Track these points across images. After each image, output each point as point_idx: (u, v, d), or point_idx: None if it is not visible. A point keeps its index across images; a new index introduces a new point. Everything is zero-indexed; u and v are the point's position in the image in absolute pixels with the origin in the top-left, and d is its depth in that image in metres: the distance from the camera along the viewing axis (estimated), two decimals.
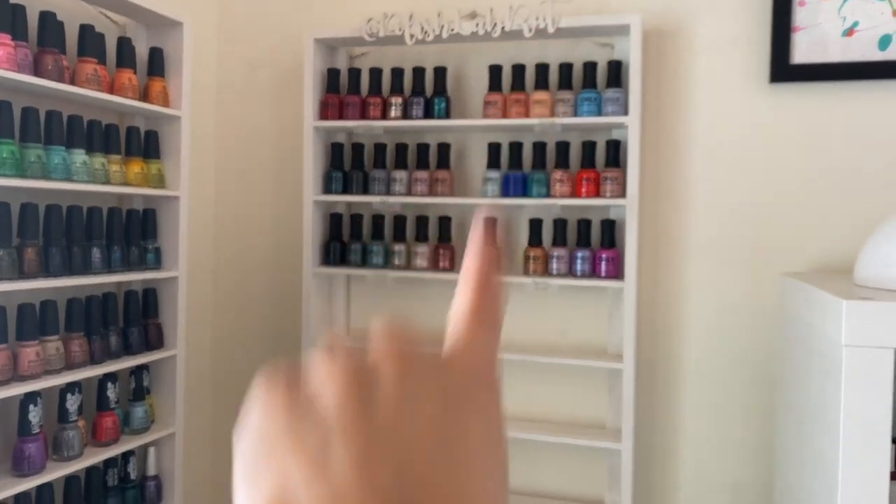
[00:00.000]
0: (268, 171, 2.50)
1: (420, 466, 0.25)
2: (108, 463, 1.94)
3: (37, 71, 1.67)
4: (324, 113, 2.25)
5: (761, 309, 2.04)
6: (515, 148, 2.14)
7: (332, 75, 2.27)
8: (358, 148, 2.28)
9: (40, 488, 1.71)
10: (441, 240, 2.20)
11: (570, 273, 2.08)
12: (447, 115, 2.16)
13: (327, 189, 2.28)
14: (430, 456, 0.25)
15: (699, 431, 2.11)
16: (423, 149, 2.22)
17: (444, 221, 2.20)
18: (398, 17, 2.12)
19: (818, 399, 1.46)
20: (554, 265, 2.08)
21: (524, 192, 2.11)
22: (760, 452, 2.05)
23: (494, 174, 2.13)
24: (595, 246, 2.10)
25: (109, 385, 1.90)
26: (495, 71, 2.13)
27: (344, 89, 2.28)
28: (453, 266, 2.19)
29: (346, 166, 2.31)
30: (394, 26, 2.13)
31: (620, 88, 2.03)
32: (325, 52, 2.29)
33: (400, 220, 2.24)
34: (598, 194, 2.04)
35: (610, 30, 2.04)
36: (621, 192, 2.02)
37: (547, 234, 2.15)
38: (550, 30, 2.02)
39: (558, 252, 2.08)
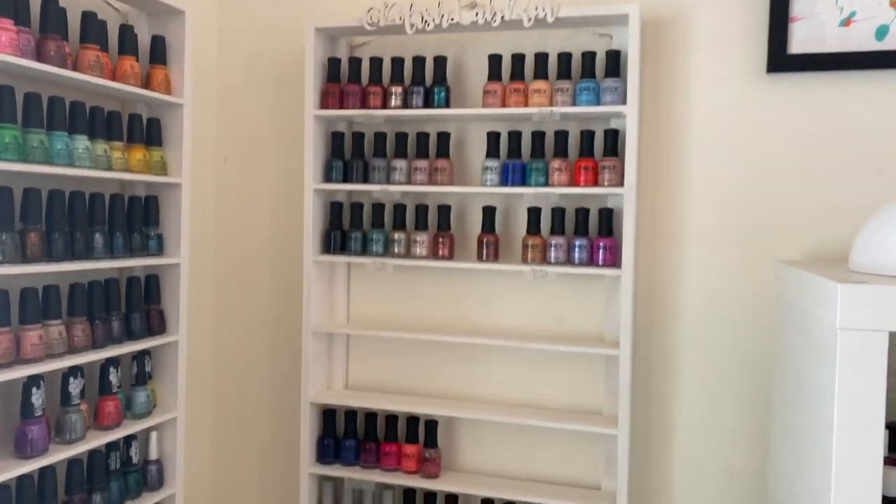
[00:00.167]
0: (269, 160, 2.51)
1: None
2: (111, 446, 1.95)
3: (39, 57, 1.68)
4: (324, 102, 2.26)
5: (757, 297, 2.06)
6: (514, 137, 2.15)
7: (332, 64, 2.28)
8: (358, 137, 2.30)
9: (43, 470, 1.73)
10: (440, 228, 2.22)
11: (568, 261, 2.10)
12: (447, 105, 2.17)
13: (328, 177, 2.29)
14: None
15: (695, 417, 2.14)
16: (422, 138, 2.23)
17: (444, 210, 2.22)
18: (398, 7, 2.13)
19: (813, 384, 1.48)
20: (552, 253, 2.10)
21: (523, 180, 2.12)
22: (755, 438, 2.08)
23: (493, 163, 2.14)
24: (593, 234, 2.12)
25: (111, 370, 1.92)
26: (495, 60, 2.15)
27: (344, 78, 2.30)
28: (452, 254, 2.21)
29: (346, 155, 2.32)
30: (394, 16, 2.14)
31: (619, 78, 2.04)
32: (326, 42, 2.30)
33: (400, 209, 2.26)
34: (596, 183, 2.06)
35: (608, 20, 2.06)
36: (619, 181, 2.03)
37: (545, 222, 2.16)
38: (549, 19, 2.03)
39: (556, 240, 2.10)
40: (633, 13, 1.96)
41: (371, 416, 2.30)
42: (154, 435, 2.10)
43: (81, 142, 1.79)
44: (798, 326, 1.64)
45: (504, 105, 2.11)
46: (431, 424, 2.24)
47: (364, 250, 2.28)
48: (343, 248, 2.30)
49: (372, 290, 2.41)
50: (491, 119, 2.23)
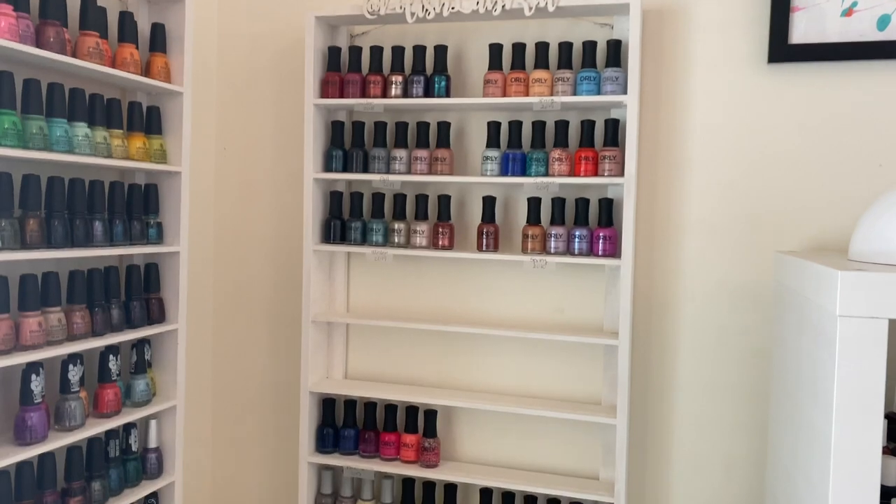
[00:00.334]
0: (268, 149, 2.51)
1: None
2: (110, 434, 1.95)
3: (38, 43, 1.67)
4: (324, 91, 2.26)
5: (756, 287, 2.07)
6: (515, 127, 2.15)
7: (332, 53, 2.28)
8: (358, 126, 2.29)
9: (42, 457, 1.73)
10: (441, 218, 2.22)
11: (568, 251, 2.10)
12: (447, 94, 2.17)
13: (328, 167, 2.29)
14: None
15: (693, 407, 2.14)
16: (423, 127, 2.23)
17: (444, 200, 2.22)
18: None
19: (812, 371, 1.48)
20: (552, 243, 2.10)
21: (523, 170, 2.12)
22: (754, 427, 2.08)
23: (494, 153, 2.14)
24: (593, 224, 2.12)
25: (111, 357, 1.92)
26: (495, 50, 2.14)
27: (345, 67, 2.29)
28: (452, 244, 2.20)
29: (346, 144, 2.32)
30: (395, 4, 2.14)
31: (619, 68, 2.04)
32: (326, 30, 2.30)
33: (400, 199, 2.25)
34: (596, 173, 2.06)
35: (609, 9, 2.05)
36: (619, 171, 2.03)
37: (545, 212, 2.16)
38: (550, 9, 2.03)
39: (556, 230, 2.10)
40: (634, 3, 1.96)
41: (370, 405, 2.31)
42: (153, 423, 2.10)
43: (81, 129, 1.78)
44: (798, 315, 1.64)
45: (504, 94, 2.11)
46: (430, 414, 2.24)
47: (364, 240, 2.27)
48: (343, 238, 2.30)
49: (371, 280, 2.41)
50: (491, 108, 2.22)
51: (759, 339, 2.07)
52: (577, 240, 2.08)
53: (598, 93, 2.04)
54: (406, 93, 2.19)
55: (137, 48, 1.97)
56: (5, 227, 1.60)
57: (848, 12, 1.96)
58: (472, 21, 2.21)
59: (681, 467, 2.16)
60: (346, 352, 2.45)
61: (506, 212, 2.26)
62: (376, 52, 2.23)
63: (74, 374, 1.79)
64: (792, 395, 1.68)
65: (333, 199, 2.33)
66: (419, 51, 2.20)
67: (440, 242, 2.20)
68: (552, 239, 2.10)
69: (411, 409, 2.27)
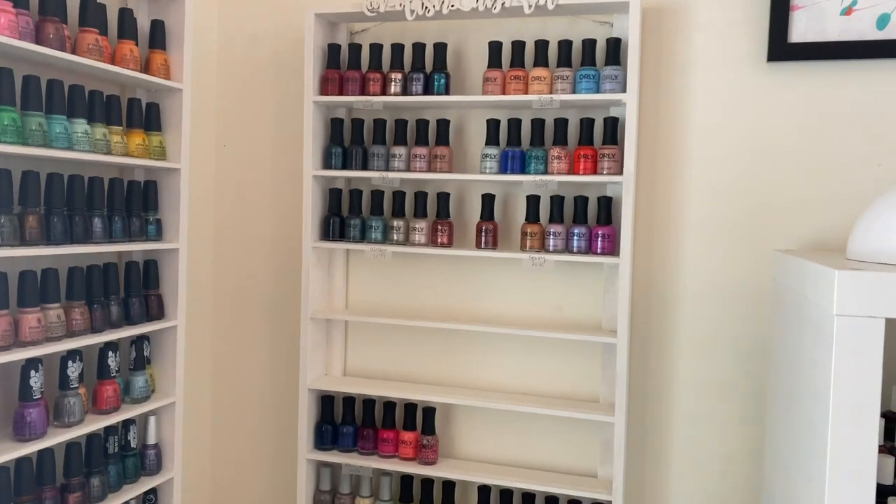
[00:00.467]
0: (268, 146, 2.51)
1: None
2: (109, 430, 1.96)
3: (38, 39, 1.67)
4: (324, 88, 2.26)
5: (755, 285, 2.07)
6: (514, 124, 2.15)
7: (332, 50, 2.28)
8: (358, 123, 2.29)
9: (41, 453, 1.73)
10: (440, 215, 2.22)
11: (567, 249, 2.10)
12: (447, 92, 2.17)
13: (327, 164, 2.29)
14: None
15: (691, 405, 2.14)
16: (422, 125, 2.23)
17: (443, 197, 2.22)
18: None
19: (809, 370, 1.48)
20: (551, 241, 2.10)
21: (522, 168, 2.12)
22: (752, 425, 2.09)
23: (493, 150, 2.14)
24: (592, 222, 2.12)
25: (110, 354, 1.92)
26: (495, 47, 2.14)
27: (344, 65, 2.29)
28: (451, 242, 2.21)
29: (345, 142, 2.32)
30: (394, 2, 2.14)
31: (619, 66, 2.04)
32: (326, 28, 2.30)
33: (399, 196, 2.26)
34: (595, 171, 2.06)
35: (609, 7, 2.05)
36: (618, 170, 2.03)
37: (544, 210, 2.17)
38: (550, 6, 2.03)
39: (555, 228, 2.10)
40: (633, 1, 1.96)
41: (369, 402, 2.31)
42: (152, 419, 2.10)
43: (80, 125, 1.78)
44: (795, 314, 1.64)
45: (504, 92, 2.11)
46: (429, 411, 2.25)
47: (363, 237, 2.28)
48: (342, 235, 2.30)
49: (370, 277, 2.42)
50: (490, 106, 2.22)
51: (757, 337, 2.07)
52: (575, 238, 2.08)
53: (598, 91, 2.04)
54: (405, 90, 2.19)
55: (137, 45, 1.97)
56: (5, 223, 1.61)
57: (847, 11, 1.96)
58: (471, 19, 2.21)
59: (679, 465, 2.17)
60: (345, 349, 2.45)
61: (505, 209, 2.27)
62: (376, 49, 2.24)
63: (73, 370, 1.80)
64: (789, 393, 1.68)
65: (333, 197, 2.33)
66: (419, 48, 2.20)
67: (439, 240, 2.20)
68: (551, 237, 2.10)
69: (410, 407, 2.27)
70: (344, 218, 2.30)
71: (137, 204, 2.02)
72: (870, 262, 1.48)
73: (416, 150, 2.20)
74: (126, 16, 1.95)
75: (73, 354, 1.80)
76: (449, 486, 2.26)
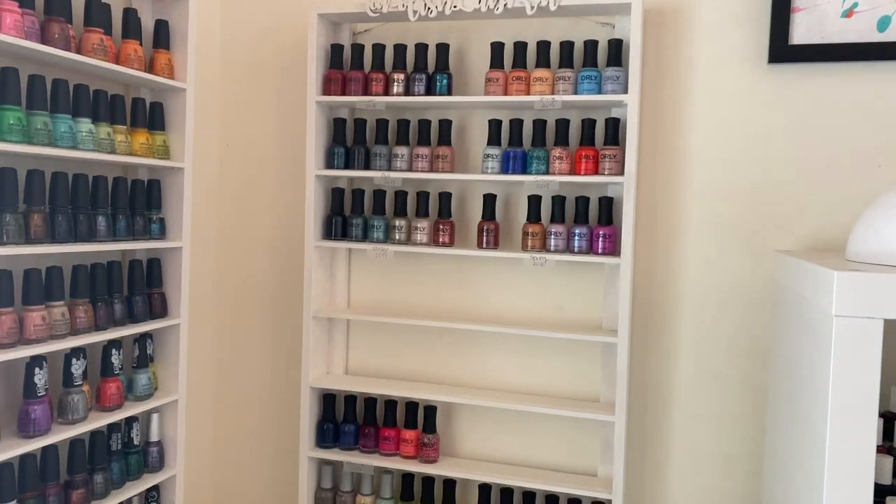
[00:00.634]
0: (271, 145, 2.52)
1: None
2: (112, 427, 1.97)
3: (43, 39, 1.69)
4: (327, 88, 2.27)
5: (755, 285, 2.08)
6: (516, 125, 2.16)
7: (335, 51, 2.29)
8: (360, 123, 2.30)
9: (45, 450, 1.75)
10: (441, 215, 2.23)
11: (568, 249, 2.11)
12: (449, 92, 2.18)
13: (329, 164, 2.30)
14: None
15: (691, 404, 2.15)
16: (424, 125, 2.24)
17: (445, 197, 2.23)
18: None
19: (808, 371, 1.49)
20: (552, 241, 2.11)
21: (524, 168, 2.13)
22: (751, 425, 2.09)
23: (495, 151, 2.15)
24: (593, 223, 2.13)
25: (114, 352, 1.93)
26: (497, 48, 2.15)
27: (347, 65, 2.30)
28: (453, 241, 2.22)
29: (348, 141, 2.33)
30: (397, 2, 2.15)
31: (620, 67, 2.04)
32: (329, 28, 2.31)
33: (401, 196, 2.27)
34: (596, 172, 2.07)
35: (611, 8, 2.06)
36: (619, 170, 2.04)
37: (545, 210, 2.18)
38: (552, 8, 2.04)
39: (556, 228, 2.11)
40: (635, 2, 1.97)
41: (370, 401, 2.32)
42: (155, 417, 2.12)
43: (85, 125, 1.80)
44: (794, 314, 1.65)
45: (506, 93, 2.12)
46: (430, 410, 2.26)
47: (365, 236, 2.29)
48: (344, 234, 2.31)
49: (372, 276, 2.43)
50: (492, 107, 2.23)
51: (757, 337, 2.08)
52: (576, 238, 2.09)
53: (599, 92, 2.05)
54: (408, 91, 2.20)
55: (141, 45, 1.98)
56: (10, 221, 1.62)
57: (848, 13, 1.97)
58: (474, 19, 2.22)
59: (678, 464, 2.18)
60: (347, 348, 2.47)
61: (506, 209, 2.28)
62: (378, 49, 2.25)
63: (77, 367, 1.81)
64: (789, 393, 1.69)
65: (335, 196, 2.34)
66: (421, 49, 2.21)
67: (441, 239, 2.21)
68: (552, 237, 2.11)
69: (411, 405, 2.28)
70: (346, 217, 2.32)
71: (141, 203, 2.04)
72: (869, 263, 1.48)
73: (418, 150, 2.21)
74: (130, 16, 1.96)
75: (77, 352, 1.81)
76: (450, 484, 2.27)
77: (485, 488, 2.24)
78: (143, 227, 2.02)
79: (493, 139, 2.17)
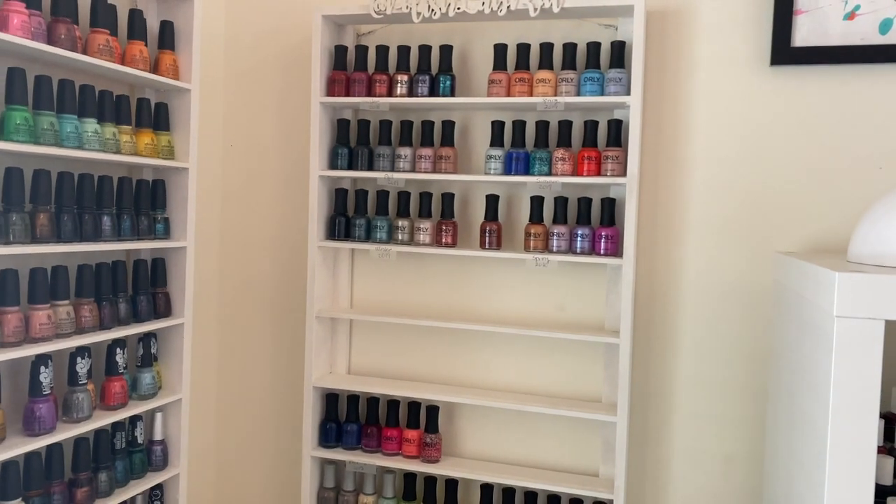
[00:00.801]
0: (274, 146, 2.53)
1: None
2: (116, 426, 1.98)
3: (50, 40, 1.70)
4: (330, 89, 2.28)
5: (756, 287, 2.08)
6: (518, 126, 2.17)
7: (339, 52, 2.30)
8: (364, 124, 2.31)
9: (50, 448, 1.76)
10: (444, 216, 2.24)
11: (570, 250, 2.12)
12: (452, 93, 2.19)
13: (333, 164, 2.31)
14: None
15: (692, 405, 2.16)
16: (427, 126, 2.25)
17: (448, 198, 2.24)
18: None
19: (809, 371, 1.50)
20: (554, 242, 2.12)
21: (526, 169, 2.14)
22: (752, 426, 2.10)
23: (497, 152, 2.16)
24: (595, 224, 2.14)
25: (118, 351, 1.94)
26: (500, 50, 2.16)
27: (351, 66, 2.31)
28: (455, 242, 2.23)
29: (351, 142, 2.34)
30: (401, 4, 2.16)
31: (623, 69, 2.05)
32: (333, 29, 2.32)
33: (404, 196, 2.28)
34: (598, 173, 2.08)
35: (614, 10, 2.07)
36: (622, 172, 2.05)
37: (548, 211, 2.18)
38: (555, 10, 2.04)
39: (559, 229, 2.12)
40: (638, 4, 1.98)
41: (373, 400, 2.33)
42: (159, 416, 2.13)
43: (91, 125, 1.81)
44: (796, 315, 1.66)
45: (509, 94, 2.13)
46: (432, 410, 2.27)
47: (368, 237, 2.30)
48: (347, 235, 2.32)
49: (375, 277, 2.43)
50: (495, 108, 2.24)
51: (759, 338, 2.09)
52: (579, 239, 2.10)
53: (602, 93, 2.06)
54: (411, 92, 2.21)
55: (146, 45, 1.99)
56: (16, 221, 1.63)
57: (850, 16, 1.97)
58: (477, 21, 2.23)
59: (680, 464, 2.18)
60: (350, 347, 2.47)
61: (509, 210, 2.28)
62: (382, 51, 2.26)
63: (82, 366, 1.82)
64: (790, 393, 1.70)
65: (338, 197, 2.35)
66: (424, 50, 2.22)
67: (443, 240, 2.22)
68: (554, 238, 2.12)
69: (413, 405, 2.29)
70: (349, 218, 2.32)
71: (146, 203, 2.05)
72: (870, 264, 1.49)
73: (421, 151, 2.22)
74: (136, 17, 1.98)
75: (81, 351, 1.82)
76: (452, 484, 2.27)
77: (487, 488, 2.25)
78: (148, 227, 2.03)
79: (496, 140, 2.18)
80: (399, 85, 2.21)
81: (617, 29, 2.15)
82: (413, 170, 2.24)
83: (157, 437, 2.13)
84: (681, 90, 2.14)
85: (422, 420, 2.29)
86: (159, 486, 2.15)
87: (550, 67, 2.12)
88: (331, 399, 2.37)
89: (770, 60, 2.04)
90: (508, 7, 2.07)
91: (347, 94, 2.26)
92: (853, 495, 1.31)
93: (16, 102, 1.62)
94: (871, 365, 1.29)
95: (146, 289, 2.07)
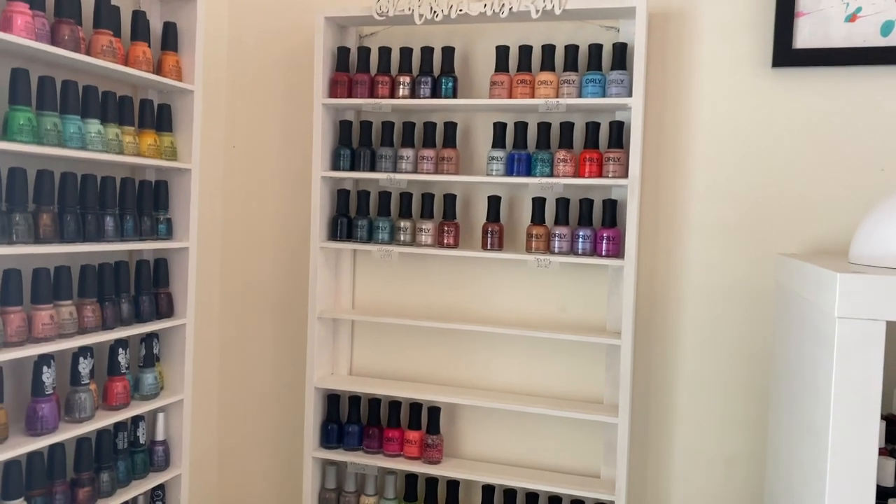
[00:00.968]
0: (277, 147, 2.54)
1: None
2: (119, 426, 1.99)
3: (53, 41, 1.70)
4: (333, 90, 2.28)
5: (758, 288, 2.09)
6: (520, 128, 2.17)
7: (341, 53, 2.30)
8: (366, 125, 2.32)
9: (52, 448, 1.76)
10: (446, 217, 2.24)
11: (572, 251, 2.12)
12: (454, 95, 2.20)
13: (335, 165, 2.32)
14: None
15: (694, 406, 2.16)
16: (429, 127, 2.25)
17: (450, 199, 2.24)
18: None
19: (811, 372, 1.50)
20: (556, 243, 2.12)
21: (528, 171, 2.14)
22: (754, 426, 2.10)
23: (499, 153, 2.17)
24: (596, 225, 2.14)
25: (120, 351, 1.95)
26: (502, 51, 2.16)
27: (353, 67, 2.32)
28: (457, 243, 2.23)
29: (354, 143, 2.34)
30: (403, 6, 2.16)
31: (624, 71, 2.06)
32: (336, 31, 2.32)
33: (406, 197, 2.28)
34: (600, 174, 2.08)
35: (615, 12, 2.07)
36: (623, 173, 2.05)
37: (550, 212, 2.19)
38: (557, 11, 2.05)
39: (560, 230, 2.12)
40: (640, 6, 1.98)
41: (374, 401, 2.33)
42: (161, 416, 2.13)
43: (94, 126, 1.81)
44: (797, 316, 1.66)
45: (511, 96, 2.13)
46: (434, 411, 2.27)
47: (370, 238, 2.30)
48: (349, 236, 2.32)
49: (377, 278, 2.44)
50: (497, 110, 2.25)
51: (760, 339, 2.09)
52: (580, 240, 2.10)
53: (604, 95, 2.06)
54: (413, 93, 2.22)
55: (150, 47, 2.00)
56: (19, 221, 1.64)
57: (852, 18, 1.98)
58: (479, 23, 2.23)
59: (681, 466, 2.18)
60: (351, 348, 2.48)
61: (510, 211, 2.29)
62: (385, 52, 2.26)
63: (85, 366, 1.82)
64: (791, 395, 1.70)
65: (340, 197, 2.35)
66: (427, 52, 2.22)
67: (445, 241, 2.22)
68: (556, 239, 2.12)
69: (415, 406, 2.29)
70: (351, 218, 2.33)
71: (148, 203, 2.05)
72: (872, 265, 1.49)
73: (423, 153, 2.23)
74: (139, 18, 1.98)
75: (84, 351, 1.82)
76: (453, 485, 2.28)
77: (488, 489, 2.25)
78: (151, 228, 2.04)
79: (498, 141, 2.18)
80: (401, 86, 2.22)
81: (619, 31, 2.16)
82: (415, 171, 2.24)
83: (159, 437, 2.13)
84: (682, 92, 2.14)
85: (423, 421, 2.29)
86: (161, 487, 2.15)
87: (552, 69, 2.12)
88: (332, 400, 2.37)
89: (772, 62, 2.05)
90: (510, 9, 2.08)
91: (350, 96, 2.27)
92: (854, 497, 1.31)
93: (19, 103, 1.62)
94: (873, 366, 1.29)
95: (148, 289, 2.07)
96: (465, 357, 2.36)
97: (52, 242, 1.72)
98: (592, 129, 2.11)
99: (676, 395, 2.18)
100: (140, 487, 2.03)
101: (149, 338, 2.07)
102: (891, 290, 1.27)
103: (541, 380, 2.28)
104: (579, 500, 2.17)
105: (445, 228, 2.22)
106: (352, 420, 2.34)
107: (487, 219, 2.21)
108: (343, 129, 2.33)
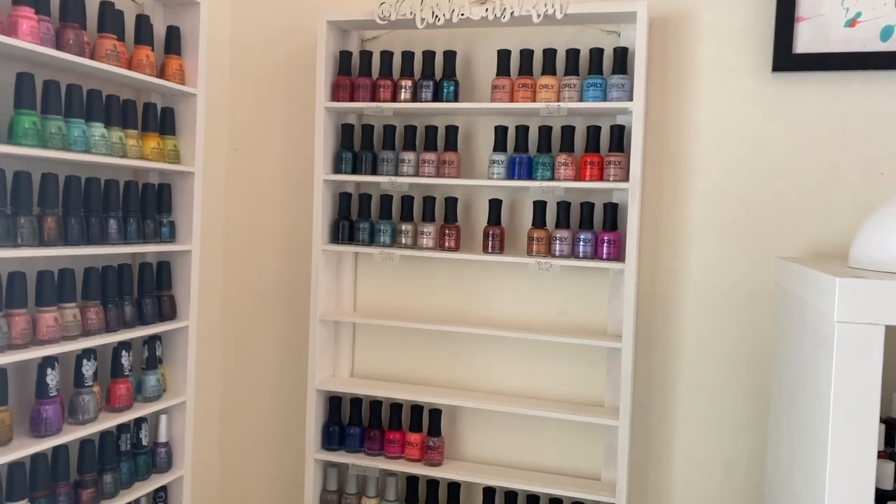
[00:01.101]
0: (279, 150, 2.55)
1: None
2: (122, 428, 2.00)
3: (58, 45, 1.71)
4: (335, 94, 2.29)
5: (758, 292, 2.10)
6: (521, 131, 2.18)
7: (344, 57, 2.32)
8: (368, 129, 2.33)
9: (56, 449, 1.77)
10: (447, 220, 2.25)
11: (573, 254, 2.13)
12: (456, 99, 2.21)
13: (337, 169, 2.33)
14: None
15: (694, 409, 2.17)
16: (431, 131, 2.26)
17: (451, 202, 2.25)
18: (410, 1, 2.16)
19: (810, 376, 1.51)
20: (557, 246, 2.13)
21: (529, 174, 2.15)
22: (754, 430, 2.11)
23: (501, 157, 2.18)
24: (597, 228, 2.15)
25: (124, 353, 1.96)
26: (503, 56, 2.18)
27: (355, 71, 2.33)
28: (458, 246, 2.24)
29: (355, 147, 2.35)
30: (405, 10, 2.17)
31: (626, 75, 2.07)
32: (338, 35, 2.34)
33: (407, 200, 2.29)
34: (601, 178, 2.09)
35: (616, 17, 2.08)
36: (624, 177, 2.06)
37: (550, 216, 2.20)
38: (558, 16, 2.06)
39: (561, 234, 2.13)
40: (641, 11, 1.99)
41: (376, 404, 2.34)
42: (164, 418, 2.14)
43: (98, 129, 1.82)
44: (797, 320, 1.67)
45: (512, 100, 2.14)
46: (435, 413, 2.28)
47: (371, 240, 2.31)
48: (351, 238, 2.33)
49: (378, 280, 2.45)
50: (499, 113, 2.26)
51: (760, 342, 2.10)
52: (581, 243, 2.11)
53: (605, 99, 2.07)
54: (415, 97, 2.23)
55: (153, 50, 2.01)
56: (24, 224, 1.65)
57: (852, 23, 1.99)
58: (480, 27, 2.24)
59: (682, 468, 2.19)
60: (353, 351, 2.49)
61: (512, 215, 2.30)
62: (386, 56, 2.27)
63: (88, 368, 1.83)
64: (791, 398, 1.71)
65: (342, 200, 2.36)
66: (428, 56, 2.23)
67: (446, 244, 2.23)
68: (557, 242, 2.13)
69: (416, 409, 2.30)
70: (353, 221, 2.34)
71: (152, 206, 2.06)
72: (871, 269, 1.50)
73: (424, 156, 2.24)
74: (143, 22, 1.99)
75: (88, 353, 1.83)
76: (454, 487, 2.28)
77: (489, 492, 2.25)
78: (154, 231, 2.05)
79: (499, 145, 2.19)
80: (403, 90, 2.23)
81: (619, 35, 2.17)
82: (417, 174, 2.25)
83: (162, 439, 2.14)
84: (683, 96, 2.15)
85: (424, 423, 2.30)
86: (163, 488, 2.16)
87: (553, 73, 2.13)
88: (334, 402, 2.38)
89: (772, 67, 2.06)
90: (512, 13, 2.09)
91: (352, 99, 2.28)
92: (853, 499, 1.31)
93: (24, 107, 1.64)
94: (872, 370, 1.30)
95: (151, 292, 2.08)
96: (466, 359, 2.37)
97: (57, 245, 1.73)
98: (593, 132, 2.12)
99: (677, 398, 2.19)
100: (143, 489, 2.04)
101: (152, 340, 2.08)
102: (890, 294, 1.28)
103: (542, 382, 2.29)
104: (580, 502, 2.18)
105: (447, 231, 2.23)
106: (353, 422, 2.35)
107: (488, 222, 2.22)
108: (345, 133, 2.34)
